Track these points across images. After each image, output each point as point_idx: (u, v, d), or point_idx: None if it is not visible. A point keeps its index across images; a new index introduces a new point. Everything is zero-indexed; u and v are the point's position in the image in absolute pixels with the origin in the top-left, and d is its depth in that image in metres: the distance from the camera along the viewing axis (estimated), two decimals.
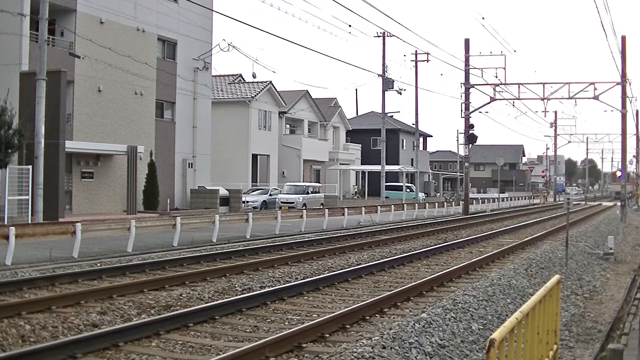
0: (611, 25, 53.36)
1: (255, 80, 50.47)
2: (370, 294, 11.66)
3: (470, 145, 41.36)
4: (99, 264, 14.90)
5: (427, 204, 43.76)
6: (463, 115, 40.22)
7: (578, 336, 9.66)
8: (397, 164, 68.59)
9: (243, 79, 55.74)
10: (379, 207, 34.04)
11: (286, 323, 9.39)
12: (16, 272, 13.27)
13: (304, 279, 13.04)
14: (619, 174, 79.01)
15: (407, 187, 61.14)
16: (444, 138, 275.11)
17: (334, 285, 12.63)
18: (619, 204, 47.20)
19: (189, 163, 39.64)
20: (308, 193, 44.10)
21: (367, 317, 9.54)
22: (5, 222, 21.16)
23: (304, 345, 7.91)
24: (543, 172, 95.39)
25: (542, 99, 38.21)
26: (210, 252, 17.35)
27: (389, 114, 57.51)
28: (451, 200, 55.81)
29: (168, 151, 38.07)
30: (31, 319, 8.96)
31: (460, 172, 72.16)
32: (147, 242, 19.32)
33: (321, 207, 39.51)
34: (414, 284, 12.02)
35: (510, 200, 65.97)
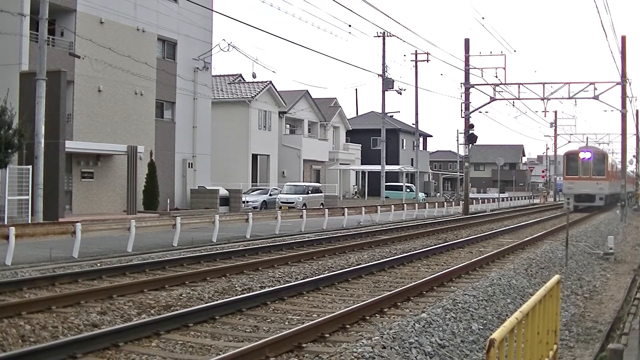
0: (611, 25, 53.35)
1: (255, 80, 50.46)
2: (370, 294, 11.66)
3: (470, 145, 41.36)
4: (99, 264, 14.90)
5: (427, 204, 43.75)
6: (463, 115, 40.22)
7: (578, 336, 9.66)
8: (397, 164, 68.61)
9: (243, 79, 55.74)
10: (379, 207, 34.04)
11: (286, 323, 9.39)
12: (16, 272, 13.27)
13: (304, 279, 13.04)
14: (586, 155, 43.57)
15: (407, 187, 61.13)
16: (444, 138, 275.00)
17: (334, 285, 12.63)
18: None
19: (189, 163, 39.64)
20: (308, 193, 44.09)
21: (367, 317, 9.54)
22: (5, 222, 21.17)
23: (304, 345, 7.91)
24: (543, 172, 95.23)
25: (542, 99, 38.22)
26: (210, 252, 17.34)
27: (389, 114, 57.51)
28: (451, 200, 55.81)
29: (168, 151, 38.07)
30: (31, 319, 8.96)
31: (460, 172, 72.16)
32: (147, 242, 19.32)
33: (321, 207, 39.51)
34: (414, 284, 12.02)
35: (510, 200, 65.96)
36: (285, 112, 56.60)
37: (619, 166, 54.68)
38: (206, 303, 10.36)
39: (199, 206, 37.42)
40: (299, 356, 7.64)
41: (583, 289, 13.73)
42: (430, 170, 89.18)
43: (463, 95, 39.98)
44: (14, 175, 23.72)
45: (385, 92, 50.15)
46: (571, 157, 45.44)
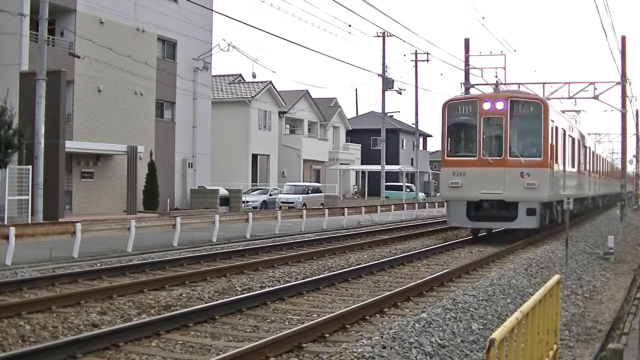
0: (611, 25, 53.22)
1: (255, 80, 50.51)
2: (370, 294, 11.66)
3: None
4: (99, 264, 14.90)
5: (427, 203, 43.73)
6: None
7: (578, 336, 9.66)
8: (397, 164, 68.61)
9: (243, 79, 55.79)
10: (379, 207, 34.03)
11: (286, 323, 9.39)
12: (16, 272, 13.27)
13: (304, 279, 13.04)
14: (496, 106, 19.99)
15: (407, 187, 61.14)
16: None
17: (334, 285, 12.63)
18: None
19: (189, 163, 39.66)
20: (308, 193, 44.10)
21: (367, 317, 9.55)
22: (5, 222, 21.18)
23: (304, 345, 7.91)
24: None
25: None
26: (210, 252, 17.35)
27: (389, 114, 57.53)
28: None
29: (168, 151, 38.08)
30: (31, 319, 8.96)
31: None
32: (147, 242, 19.32)
33: (321, 207, 39.51)
34: (414, 283, 12.02)
35: None
36: (285, 112, 56.62)
37: (592, 145, 35.04)
38: (206, 303, 10.36)
39: (199, 206, 37.42)
40: (299, 356, 7.64)
41: (583, 289, 13.73)
42: (430, 170, 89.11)
43: (463, 95, 39.97)
44: (14, 175, 23.73)
45: (385, 92, 50.16)
46: (458, 109, 20.99)
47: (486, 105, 20.22)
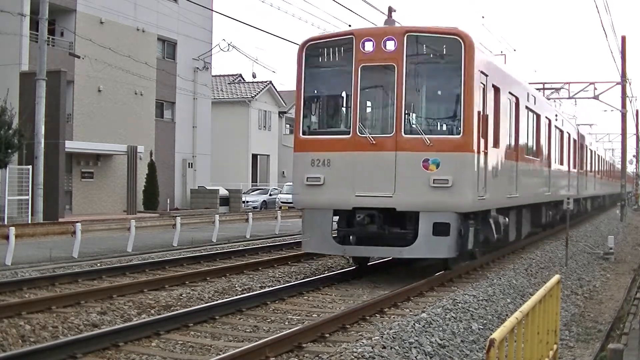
0: (611, 25, 53.18)
1: (255, 80, 50.53)
2: (370, 294, 11.66)
3: None
4: (99, 264, 14.90)
5: None
6: None
7: (578, 336, 9.66)
8: None
9: (243, 79, 55.79)
10: None
11: (286, 323, 9.39)
12: (16, 272, 13.27)
13: (304, 279, 13.03)
14: (386, 46, 11.91)
15: None
16: None
17: (333, 285, 12.63)
18: None
19: (189, 163, 39.67)
20: None
21: (367, 317, 9.54)
22: (5, 222, 21.19)
23: (304, 345, 7.91)
24: None
25: None
26: (210, 252, 17.35)
27: None
28: None
29: (168, 151, 38.09)
30: (31, 319, 8.96)
31: None
32: (147, 242, 19.31)
33: None
34: (414, 284, 12.01)
35: None
36: (285, 112, 56.61)
37: (575, 132, 27.13)
38: (206, 303, 10.35)
39: (199, 206, 37.43)
40: (299, 356, 7.64)
41: (583, 289, 13.73)
42: None
43: None
44: (14, 175, 23.75)
45: None
46: (322, 55, 12.66)
47: (368, 46, 12.17)
